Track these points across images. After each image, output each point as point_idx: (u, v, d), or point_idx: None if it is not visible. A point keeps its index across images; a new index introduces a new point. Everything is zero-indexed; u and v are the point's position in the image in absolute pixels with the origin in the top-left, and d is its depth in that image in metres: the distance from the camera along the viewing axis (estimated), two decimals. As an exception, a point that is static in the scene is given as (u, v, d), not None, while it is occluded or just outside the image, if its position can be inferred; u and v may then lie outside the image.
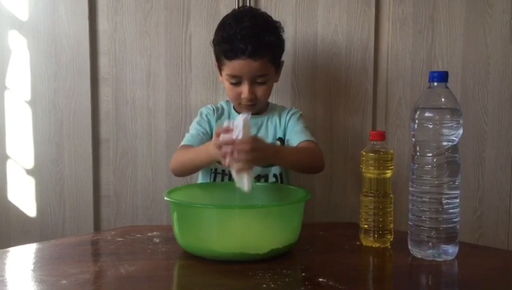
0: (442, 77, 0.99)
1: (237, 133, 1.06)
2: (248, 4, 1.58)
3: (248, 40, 1.29)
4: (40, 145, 1.63)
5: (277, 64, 1.39)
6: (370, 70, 1.63)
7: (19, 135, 1.63)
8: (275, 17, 1.59)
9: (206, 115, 1.43)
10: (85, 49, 1.60)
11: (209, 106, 1.46)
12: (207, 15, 1.60)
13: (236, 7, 1.56)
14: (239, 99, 1.35)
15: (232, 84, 1.34)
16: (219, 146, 1.09)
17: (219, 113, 1.45)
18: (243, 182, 1.07)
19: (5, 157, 1.63)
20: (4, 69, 1.61)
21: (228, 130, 1.08)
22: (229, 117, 1.44)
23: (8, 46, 1.61)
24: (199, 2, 1.60)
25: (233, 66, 1.32)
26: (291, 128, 1.40)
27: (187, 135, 1.39)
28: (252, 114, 1.40)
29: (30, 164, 1.64)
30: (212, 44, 1.39)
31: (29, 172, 1.64)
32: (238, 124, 1.06)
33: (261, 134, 1.41)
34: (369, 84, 1.64)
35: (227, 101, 1.47)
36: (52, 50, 1.61)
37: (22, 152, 1.63)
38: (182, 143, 1.37)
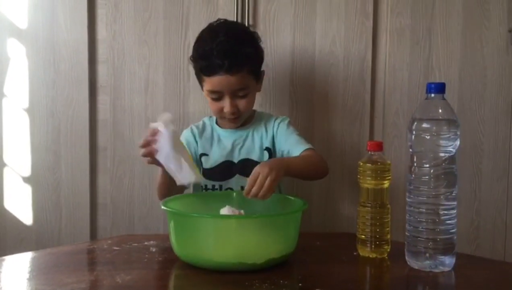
0: (440, 88, 1.00)
1: (160, 134, 1.07)
2: (246, 14, 1.59)
3: (224, 55, 1.28)
4: (37, 152, 1.63)
5: (257, 75, 1.38)
6: (368, 80, 1.64)
7: (17, 143, 1.63)
8: (273, 28, 1.61)
9: (186, 138, 1.43)
10: (83, 58, 1.61)
11: (189, 128, 1.46)
12: (206, 24, 1.60)
13: (235, 18, 1.57)
14: (222, 113, 1.35)
15: (213, 99, 1.35)
16: (143, 146, 1.11)
17: (201, 130, 1.44)
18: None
19: (2, 164, 1.63)
20: (3, 77, 1.61)
21: (154, 132, 1.09)
22: (212, 133, 1.44)
23: (6, 54, 1.61)
24: (198, 11, 1.61)
25: (212, 82, 1.32)
26: (285, 139, 1.39)
27: None
28: (237, 126, 1.42)
29: (27, 171, 1.63)
30: (190, 60, 1.39)
31: (26, 179, 1.63)
32: (157, 125, 1.08)
33: (247, 146, 1.41)
34: (366, 95, 1.64)
35: (210, 117, 1.47)
36: (50, 58, 1.61)
37: (19, 160, 1.63)
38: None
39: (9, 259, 1.07)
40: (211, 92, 1.34)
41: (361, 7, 1.61)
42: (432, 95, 1.00)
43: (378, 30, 1.64)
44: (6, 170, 1.63)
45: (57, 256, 1.10)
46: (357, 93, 1.64)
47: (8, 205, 1.64)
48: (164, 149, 1.09)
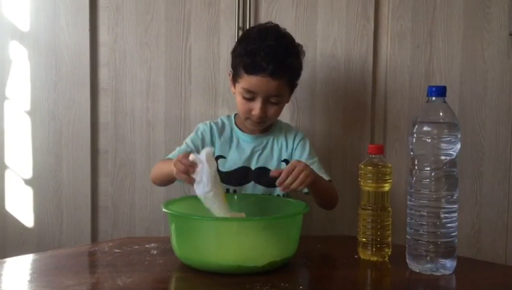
0: (441, 91, 1.00)
1: (201, 167, 1.04)
2: (248, 17, 1.59)
3: (271, 59, 1.28)
4: (38, 155, 1.63)
5: (293, 87, 1.38)
6: (369, 83, 1.64)
7: (18, 145, 1.63)
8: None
9: (201, 133, 1.41)
10: (85, 60, 1.61)
11: (207, 122, 1.43)
12: (207, 28, 1.61)
13: (236, 21, 1.58)
14: (249, 114, 1.34)
15: (245, 98, 1.33)
16: (178, 162, 1.07)
17: (220, 129, 1.42)
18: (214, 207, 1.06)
19: (4, 167, 1.63)
20: (5, 79, 1.62)
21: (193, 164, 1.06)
22: (231, 134, 1.43)
23: (8, 57, 1.61)
24: (199, 14, 1.61)
25: (250, 81, 1.30)
26: (305, 161, 1.34)
27: (176, 149, 1.38)
28: (258, 131, 1.41)
29: (29, 174, 1.63)
30: (232, 55, 1.38)
31: (27, 182, 1.64)
32: (201, 157, 1.05)
33: (265, 154, 1.40)
34: (367, 98, 1.64)
35: (228, 116, 1.46)
36: (52, 61, 1.62)
37: (21, 162, 1.63)
38: (168, 156, 1.37)
39: (10, 261, 1.07)
40: (247, 91, 1.31)
41: (362, 11, 1.62)
42: (433, 98, 1.00)
43: (379, 33, 1.64)
44: (7, 172, 1.64)
45: (58, 259, 1.10)
46: (358, 96, 1.64)
47: (10, 207, 1.64)
48: (202, 184, 1.04)
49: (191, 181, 1.06)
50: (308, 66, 1.63)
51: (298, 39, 1.61)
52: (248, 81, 1.30)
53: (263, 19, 1.61)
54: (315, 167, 1.34)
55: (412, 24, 1.63)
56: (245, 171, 1.39)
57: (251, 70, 1.29)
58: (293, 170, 1.13)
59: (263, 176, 1.37)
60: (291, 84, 1.36)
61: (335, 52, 1.63)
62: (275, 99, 1.32)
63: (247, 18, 1.59)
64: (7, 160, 1.63)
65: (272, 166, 1.39)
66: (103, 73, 1.63)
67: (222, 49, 1.60)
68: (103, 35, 1.62)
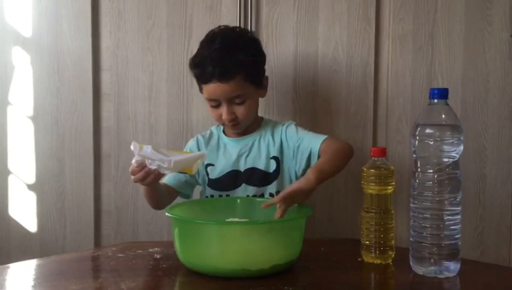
0: (443, 94, 1.00)
1: (146, 157, 1.11)
2: (249, 21, 1.60)
3: (217, 62, 1.29)
4: (41, 160, 1.63)
5: (256, 81, 1.36)
6: (371, 86, 1.64)
7: (21, 150, 1.63)
8: (276, 34, 1.62)
9: (190, 148, 1.44)
10: (87, 65, 1.62)
11: (195, 138, 1.46)
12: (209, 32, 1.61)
13: (238, 24, 1.58)
14: (221, 120, 1.35)
15: (212, 106, 1.35)
16: (133, 176, 1.15)
17: (207, 140, 1.44)
18: None
19: (7, 172, 1.64)
20: (7, 85, 1.62)
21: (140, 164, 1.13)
22: (218, 142, 1.44)
23: (11, 62, 1.62)
24: (201, 19, 1.62)
25: (207, 89, 1.33)
26: (300, 140, 1.36)
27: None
28: (243, 133, 1.42)
29: (32, 179, 1.64)
30: (189, 68, 1.39)
31: (30, 187, 1.64)
32: (136, 151, 1.11)
33: (253, 155, 1.39)
34: (369, 101, 1.64)
35: (218, 125, 1.47)
36: (55, 66, 1.62)
37: (24, 167, 1.64)
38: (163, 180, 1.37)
39: (13, 266, 1.07)
40: (208, 100, 1.35)
41: (364, 13, 1.62)
42: (435, 100, 1.00)
43: (381, 36, 1.64)
44: (10, 178, 1.64)
45: (62, 264, 1.10)
46: (360, 99, 1.64)
47: (13, 212, 1.64)
48: (162, 164, 1.10)
49: (158, 174, 1.14)
50: (309, 69, 1.64)
51: (299, 43, 1.63)
52: (206, 90, 1.33)
53: (264, 23, 1.61)
54: (309, 136, 1.35)
55: (413, 27, 1.63)
56: (235, 174, 1.39)
57: (202, 80, 1.33)
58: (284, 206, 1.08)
59: (253, 176, 1.37)
60: (251, 79, 1.33)
61: (337, 55, 1.63)
62: (239, 100, 1.33)
63: (249, 22, 1.60)
64: (10, 165, 1.64)
65: (261, 165, 1.39)
66: (106, 78, 1.64)
67: (224, 53, 1.60)
68: (105, 40, 1.63)
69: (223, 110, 1.33)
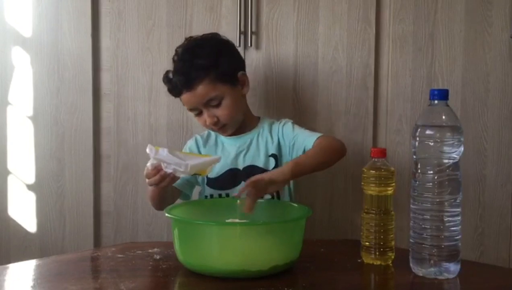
0: (443, 95, 1.00)
1: (162, 161, 1.11)
2: (249, 22, 1.59)
3: (180, 73, 1.32)
4: (41, 160, 1.63)
5: (228, 80, 1.34)
6: (371, 87, 1.64)
7: (21, 150, 1.63)
8: (276, 35, 1.62)
9: (189, 148, 1.45)
10: (87, 66, 1.62)
11: (194, 138, 1.47)
12: (209, 32, 1.61)
13: (238, 26, 1.58)
14: (207, 126, 1.37)
15: (196, 115, 1.37)
16: (148, 179, 1.15)
17: (205, 139, 1.45)
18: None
19: (6, 172, 1.63)
20: (7, 85, 1.62)
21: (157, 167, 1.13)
22: (216, 141, 1.44)
23: (11, 62, 1.62)
24: (201, 19, 1.62)
25: (183, 101, 1.35)
26: (295, 138, 1.37)
27: None
28: (240, 132, 1.42)
29: (31, 179, 1.64)
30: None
31: (30, 187, 1.64)
32: (152, 155, 1.11)
33: (251, 152, 1.40)
34: (369, 101, 1.64)
35: None
36: (54, 66, 1.62)
37: (23, 167, 1.63)
38: None
39: (13, 267, 1.07)
40: (188, 110, 1.37)
41: (364, 14, 1.62)
42: (436, 101, 1.00)
43: (381, 37, 1.64)
44: (10, 178, 1.64)
45: (61, 264, 1.10)
46: (360, 99, 1.64)
47: (12, 212, 1.64)
48: (178, 168, 1.10)
49: (174, 178, 1.14)
50: (309, 70, 1.64)
51: (299, 43, 1.63)
52: (182, 101, 1.36)
53: (264, 24, 1.61)
54: (304, 134, 1.35)
55: (413, 28, 1.63)
56: (234, 173, 1.39)
57: (174, 93, 1.36)
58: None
59: (252, 174, 1.35)
60: (221, 79, 1.32)
61: (337, 56, 1.63)
62: (214, 102, 1.33)
63: (249, 23, 1.60)
64: (10, 166, 1.64)
65: (260, 162, 1.39)
66: (105, 78, 1.63)
67: (224, 53, 1.60)
68: (105, 41, 1.63)
69: (204, 116, 1.35)
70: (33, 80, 1.62)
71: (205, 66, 1.31)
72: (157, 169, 1.12)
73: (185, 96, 1.33)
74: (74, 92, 1.62)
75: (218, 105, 1.33)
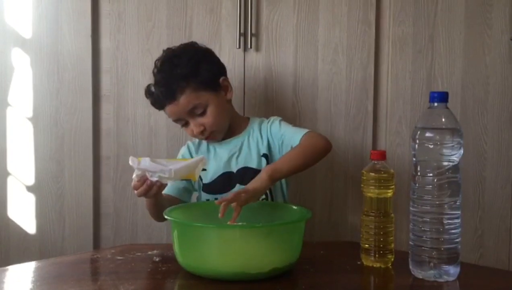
0: (443, 97, 1.00)
1: (147, 170, 1.11)
2: (249, 24, 1.59)
3: (160, 84, 1.32)
4: (41, 162, 1.63)
5: (211, 87, 1.34)
6: (370, 89, 1.64)
7: (20, 152, 1.63)
8: (276, 37, 1.62)
9: (182, 155, 1.45)
10: (87, 67, 1.62)
11: (186, 145, 1.47)
12: (209, 34, 1.61)
13: (238, 27, 1.58)
14: (195, 135, 1.36)
15: (182, 126, 1.37)
16: (136, 191, 1.15)
17: (197, 145, 1.45)
18: None
19: (6, 174, 1.63)
20: (7, 86, 1.62)
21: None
22: (208, 146, 1.44)
23: (11, 63, 1.62)
24: (201, 21, 1.62)
25: (167, 113, 1.35)
26: (282, 135, 1.37)
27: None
28: (230, 135, 1.42)
29: (31, 180, 1.63)
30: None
31: (30, 188, 1.64)
32: (135, 165, 1.11)
33: (244, 154, 1.39)
34: (369, 103, 1.64)
35: None
36: (54, 68, 1.62)
37: (23, 169, 1.63)
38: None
39: (12, 268, 1.07)
40: (174, 121, 1.37)
41: (363, 16, 1.62)
42: (435, 104, 1.00)
43: (381, 39, 1.64)
44: (10, 179, 1.64)
45: (61, 266, 1.10)
46: (360, 101, 1.64)
47: (12, 214, 1.64)
48: (163, 174, 1.11)
49: (161, 185, 1.14)
50: (309, 71, 1.64)
51: (299, 45, 1.63)
52: (167, 113, 1.36)
53: (264, 25, 1.61)
54: (290, 131, 1.35)
55: (413, 29, 1.63)
56: (228, 176, 1.39)
57: (158, 106, 1.37)
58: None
59: (246, 176, 1.36)
60: (203, 87, 1.32)
61: (337, 57, 1.63)
62: (199, 110, 1.33)
63: (249, 25, 1.60)
64: (10, 167, 1.63)
65: (253, 163, 1.39)
66: (105, 80, 1.63)
67: (223, 55, 1.60)
68: (105, 42, 1.63)
69: (191, 126, 1.35)
70: (33, 81, 1.62)
71: (185, 75, 1.31)
72: (142, 179, 1.13)
73: (169, 107, 1.33)
74: (74, 94, 1.62)
75: (203, 113, 1.33)
